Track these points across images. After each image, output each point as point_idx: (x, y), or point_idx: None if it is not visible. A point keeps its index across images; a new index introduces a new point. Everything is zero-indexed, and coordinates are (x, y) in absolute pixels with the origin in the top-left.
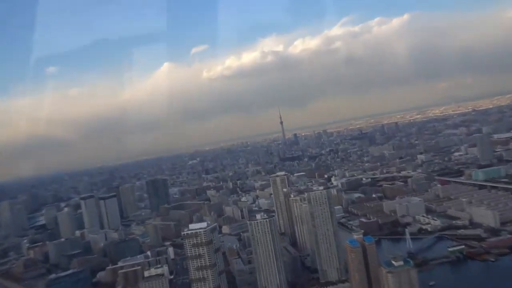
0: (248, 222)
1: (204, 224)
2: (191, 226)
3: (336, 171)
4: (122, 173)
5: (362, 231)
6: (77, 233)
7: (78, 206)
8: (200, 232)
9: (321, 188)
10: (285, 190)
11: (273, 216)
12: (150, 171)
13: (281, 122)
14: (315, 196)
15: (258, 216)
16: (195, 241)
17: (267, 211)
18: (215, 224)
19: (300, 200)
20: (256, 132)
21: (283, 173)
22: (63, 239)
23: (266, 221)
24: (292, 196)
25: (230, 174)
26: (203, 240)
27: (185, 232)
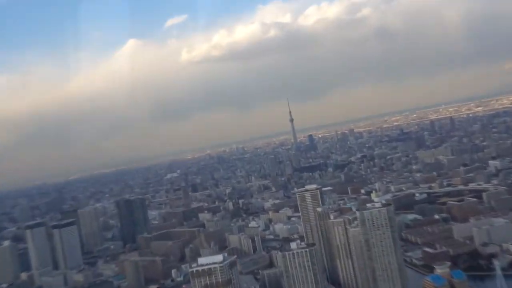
0: (278, 253)
1: (219, 258)
2: (202, 260)
3: (376, 184)
4: (74, 192)
5: (449, 263)
6: (23, 275)
7: (19, 239)
8: (215, 268)
9: (378, 205)
10: (319, 209)
11: (314, 245)
12: (114, 189)
13: (291, 120)
14: (370, 216)
15: (293, 245)
16: (208, 281)
17: (289, 240)
18: (233, 257)
19: (346, 222)
20: (256, 134)
21: (314, 186)
22: (4, 286)
23: (305, 252)
24: (332, 217)
25: (228, 190)
26: (220, 280)
27: (193, 269)
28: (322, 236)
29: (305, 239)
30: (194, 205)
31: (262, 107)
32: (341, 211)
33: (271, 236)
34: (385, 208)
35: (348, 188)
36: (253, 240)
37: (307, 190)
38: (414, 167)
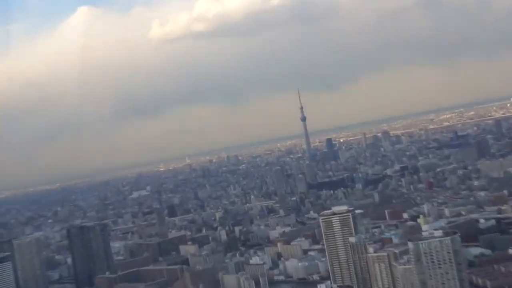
0: None
1: None
2: None
3: (424, 206)
4: (3, 216)
5: None
6: None
7: None
8: None
9: (438, 233)
10: (353, 240)
11: None
12: (59, 212)
13: (303, 119)
14: (428, 248)
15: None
16: None
17: (307, 282)
18: None
19: (391, 257)
20: (253, 137)
21: (345, 208)
22: None
23: None
24: (371, 250)
25: (218, 214)
26: None
27: None
28: (357, 276)
29: (332, 280)
30: (173, 234)
31: (261, 101)
32: (382, 243)
33: (282, 277)
34: (448, 238)
35: (385, 211)
36: (257, 282)
37: (334, 214)
38: (475, 183)
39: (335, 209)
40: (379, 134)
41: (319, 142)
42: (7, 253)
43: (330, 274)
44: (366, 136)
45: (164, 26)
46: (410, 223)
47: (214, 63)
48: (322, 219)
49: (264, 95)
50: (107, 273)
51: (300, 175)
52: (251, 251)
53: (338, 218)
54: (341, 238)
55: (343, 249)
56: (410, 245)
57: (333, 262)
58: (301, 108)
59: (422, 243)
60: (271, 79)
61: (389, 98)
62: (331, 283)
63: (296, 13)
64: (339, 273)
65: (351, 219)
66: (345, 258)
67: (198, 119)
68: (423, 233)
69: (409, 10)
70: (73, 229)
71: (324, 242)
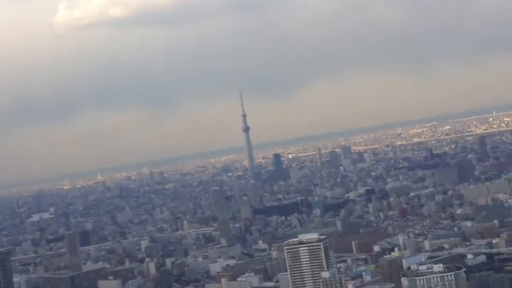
0: None
1: None
2: None
3: (399, 236)
4: None
5: None
6: None
7: None
8: None
9: (438, 268)
10: (326, 275)
11: None
12: None
13: (246, 129)
14: (426, 285)
15: None
16: None
17: None
18: None
19: None
20: (180, 151)
21: (315, 236)
22: None
23: None
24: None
25: (145, 243)
26: None
27: None
28: None
29: None
30: (88, 266)
31: (192, 106)
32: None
33: None
34: (451, 273)
35: (352, 242)
36: None
37: (302, 243)
38: (458, 211)
39: (303, 237)
40: (337, 150)
41: (263, 158)
42: None
43: None
44: (322, 152)
45: (72, 11)
46: (388, 256)
47: (134, 58)
48: (287, 249)
49: (195, 99)
50: None
51: (244, 198)
52: (190, 287)
53: (306, 248)
54: (310, 272)
55: (312, 285)
56: (405, 281)
57: None
58: (244, 116)
59: (420, 279)
60: (204, 80)
61: (348, 107)
62: None
63: (235, 1)
64: None
65: (322, 250)
66: None
67: (113, 126)
68: (421, 267)
69: (373, 1)
70: None
71: (289, 278)
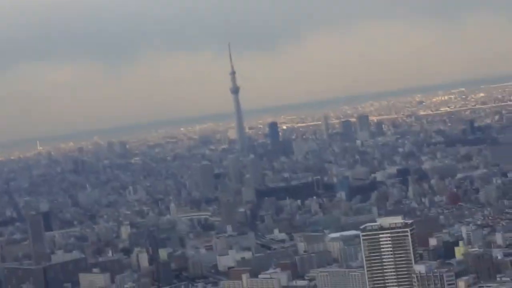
0: None
1: None
2: None
3: (462, 228)
4: None
5: None
6: None
7: None
8: None
9: None
10: (421, 268)
11: None
12: None
13: (235, 90)
14: None
15: None
16: None
17: None
18: None
19: None
20: (142, 118)
21: (399, 220)
22: None
23: None
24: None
25: (125, 230)
26: None
27: None
28: None
29: None
30: (59, 256)
31: (154, 60)
32: None
33: None
34: None
35: None
36: None
37: (382, 229)
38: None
39: (383, 221)
40: (353, 120)
41: (250, 128)
42: None
43: None
44: (328, 122)
45: None
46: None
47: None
48: (364, 235)
49: (160, 53)
50: None
51: (247, 176)
52: (200, 285)
53: (389, 235)
54: (393, 265)
55: (395, 282)
56: None
57: None
58: (233, 73)
59: None
60: (173, 28)
61: (352, 67)
62: None
63: None
64: None
65: (409, 238)
66: None
67: (53, 82)
68: None
69: None
70: None
71: (365, 271)
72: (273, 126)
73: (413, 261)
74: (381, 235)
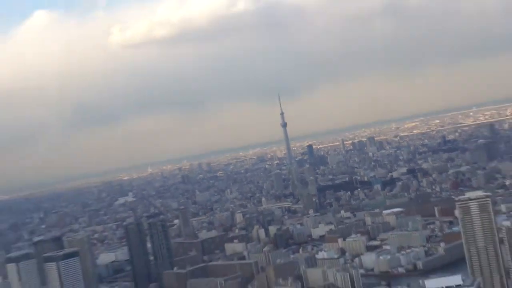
0: None
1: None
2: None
3: None
4: None
5: None
6: None
7: None
8: None
9: None
10: (508, 223)
11: None
12: (46, 219)
13: (284, 124)
14: None
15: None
16: None
17: (391, 275)
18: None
19: None
20: (213, 147)
21: (481, 193)
22: None
23: None
24: None
25: (239, 216)
26: None
27: None
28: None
29: (470, 270)
30: (204, 234)
31: (223, 109)
32: None
33: (362, 271)
34: None
35: (435, 208)
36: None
37: (471, 199)
38: (507, 182)
39: (471, 194)
40: (364, 140)
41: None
42: (74, 249)
43: (468, 263)
44: (344, 142)
45: (125, 32)
46: None
47: (176, 70)
48: (459, 204)
49: (226, 103)
50: (175, 268)
51: (311, 178)
52: (309, 247)
53: (476, 203)
54: (480, 224)
55: (482, 236)
56: None
57: (471, 249)
58: (282, 114)
59: None
60: (232, 87)
61: (347, 108)
62: (470, 271)
63: (260, 19)
64: (477, 260)
65: (490, 205)
66: (484, 245)
67: (155, 128)
68: None
69: (375, 16)
70: (131, 225)
71: (461, 229)
72: (310, 147)
73: (493, 221)
74: (470, 204)
